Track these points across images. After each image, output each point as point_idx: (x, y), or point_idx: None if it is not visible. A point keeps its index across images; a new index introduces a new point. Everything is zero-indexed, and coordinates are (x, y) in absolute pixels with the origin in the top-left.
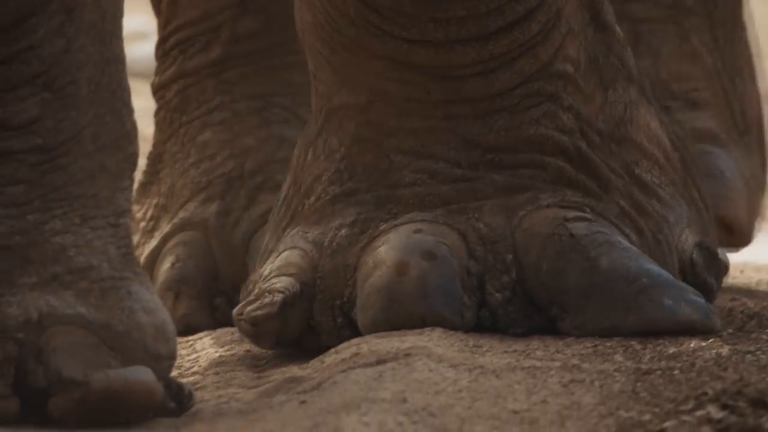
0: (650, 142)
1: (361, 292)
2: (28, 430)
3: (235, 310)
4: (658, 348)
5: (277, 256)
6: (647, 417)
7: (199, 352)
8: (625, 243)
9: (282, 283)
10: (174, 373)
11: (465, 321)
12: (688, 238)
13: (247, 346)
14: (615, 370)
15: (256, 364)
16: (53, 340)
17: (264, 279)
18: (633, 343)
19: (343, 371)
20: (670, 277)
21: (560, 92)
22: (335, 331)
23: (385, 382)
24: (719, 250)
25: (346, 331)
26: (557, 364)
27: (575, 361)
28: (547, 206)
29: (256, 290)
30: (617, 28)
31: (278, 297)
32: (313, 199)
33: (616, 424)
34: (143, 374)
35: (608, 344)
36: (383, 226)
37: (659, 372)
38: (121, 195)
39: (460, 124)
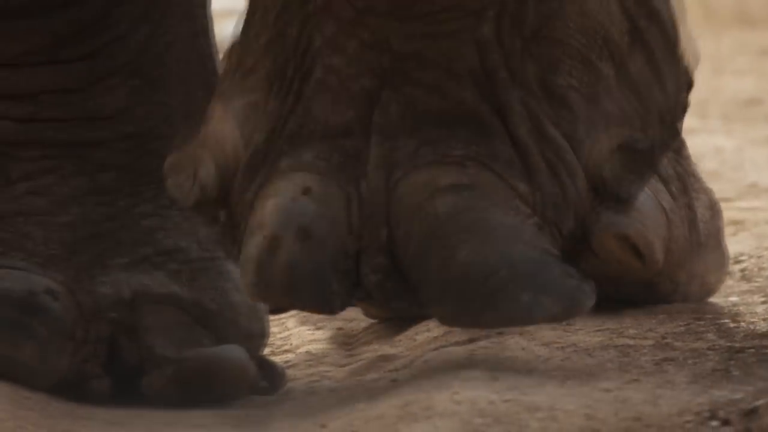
0: (568, 48)
1: (243, 248)
2: (121, 409)
3: (167, 160)
4: (751, 326)
5: (210, 134)
6: (739, 395)
7: (291, 330)
8: (495, 220)
9: (201, 176)
10: (266, 351)
11: (333, 309)
12: (603, 148)
13: (339, 323)
14: (708, 349)
15: (347, 342)
16: (146, 318)
17: (188, 152)
18: (726, 321)
19: (435, 349)
20: (536, 262)
21: (486, 6)
22: (233, 251)
23: (477, 361)
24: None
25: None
26: (649, 342)
27: (668, 339)
28: (426, 164)
29: (174, 164)
30: None
31: (194, 195)
32: (251, 61)
33: (708, 402)
34: (236, 352)
35: (701, 323)
36: (282, 163)
37: (752, 350)
38: None
39: (379, 22)
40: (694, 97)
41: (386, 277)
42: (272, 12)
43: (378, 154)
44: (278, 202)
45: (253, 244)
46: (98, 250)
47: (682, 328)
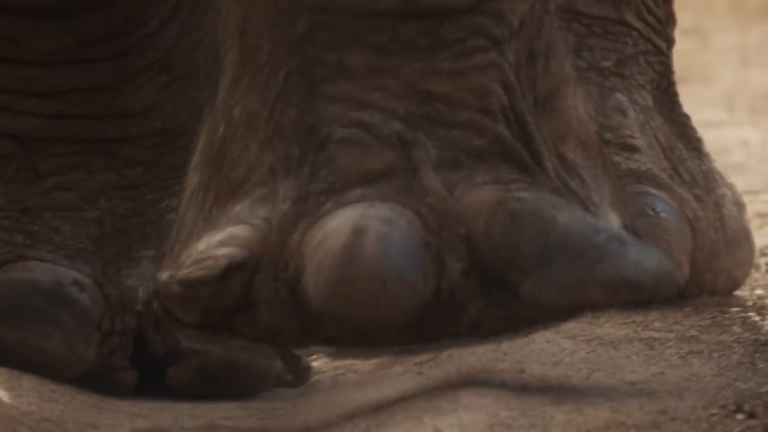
0: (578, 121)
1: (312, 259)
2: (146, 401)
3: (162, 277)
4: None
5: (218, 233)
6: (766, 388)
7: None
8: (575, 205)
9: (226, 250)
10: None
11: (427, 287)
12: (614, 220)
13: None
14: (733, 342)
15: None
16: None
17: (201, 253)
18: (751, 314)
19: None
20: (626, 235)
21: (506, 44)
22: (277, 302)
23: (503, 353)
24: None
25: (289, 303)
26: (675, 335)
27: (693, 332)
28: (484, 183)
29: (190, 260)
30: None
31: (223, 261)
32: (243, 171)
33: (734, 395)
34: (261, 346)
35: (726, 315)
36: (328, 205)
37: None
38: None
39: (403, 62)
40: (722, 89)
41: (471, 264)
42: (261, 115)
43: (431, 182)
44: (345, 218)
45: (332, 242)
46: (125, 244)
47: (708, 321)
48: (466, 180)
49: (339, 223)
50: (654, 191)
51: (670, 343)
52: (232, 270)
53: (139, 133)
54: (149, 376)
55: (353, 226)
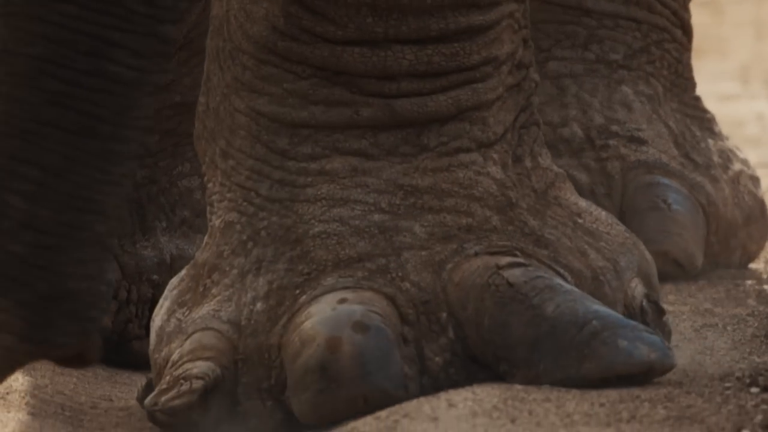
0: (588, 204)
1: (291, 374)
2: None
3: (147, 401)
4: None
5: (186, 339)
6: None
7: None
8: (566, 285)
9: (199, 368)
10: None
11: (409, 394)
12: (637, 287)
13: None
14: (748, 315)
15: None
16: None
17: (175, 365)
18: (766, 287)
19: None
20: (620, 316)
21: (491, 145)
22: (267, 416)
23: None
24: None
25: (278, 415)
26: (689, 308)
27: (707, 305)
28: (475, 254)
29: (167, 377)
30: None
31: (197, 384)
32: (217, 275)
33: (749, 368)
34: None
35: (741, 288)
36: (303, 299)
37: None
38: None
39: (386, 164)
40: (737, 62)
41: (453, 355)
42: (238, 223)
43: (416, 260)
44: (319, 318)
45: (308, 357)
46: (139, 215)
47: (722, 295)
48: (458, 251)
49: (313, 330)
50: (665, 180)
51: (684, 317)
52: (209, 392)
53: (159, 105)
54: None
55: (327, 338)
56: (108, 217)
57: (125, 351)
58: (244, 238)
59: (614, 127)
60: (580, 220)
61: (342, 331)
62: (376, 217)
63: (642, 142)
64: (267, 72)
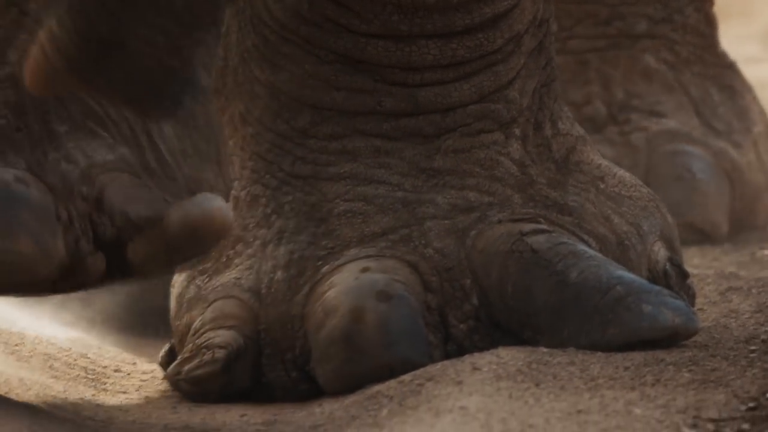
0: (607, 166)
1: (316, 344)
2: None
3: (169, 370)
4: None
5: (207, 306)
6: None
7: None
8: (591, 251)
9: (222, 337)
10: None
11: (435, 362)
12: (660, 250)
13: None
14: None
15: None
16: (107, 188)
17: (197, 333)
18: None
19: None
20: (644, 281)
21: (513, 122)
22: (291, 387)
23: None
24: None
25: (304, 386)
26: (714, 272)
27: (732, 269)
28: (499, 222)
29: (190, 345)
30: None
31: (220, 353)
32: (240, 246)
33: None
34: (216, 201)
35: (765, 252)
36: (325, 268)
37: None
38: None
39: (407, 145)
40: (761, 24)
41: (477, 322)
42: (263, 196)
43: (438, 228)
44: (342, 287)
45: (332, 327)
46: (39, 125)
47: (747, 258)
48: (482, 219)
49: (336, 300)
50: (688, 148)
51: (709, 280)
52: (232, 361)
53: None
54: (112, 256)
55: (351, 308)
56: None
57: (81, 270)
58: (269, 211)
59: (635, 102)
60: (602, 185)
61: (365, 301)
62: (400, 194)
63: (662, 115)
64: (288, 50)
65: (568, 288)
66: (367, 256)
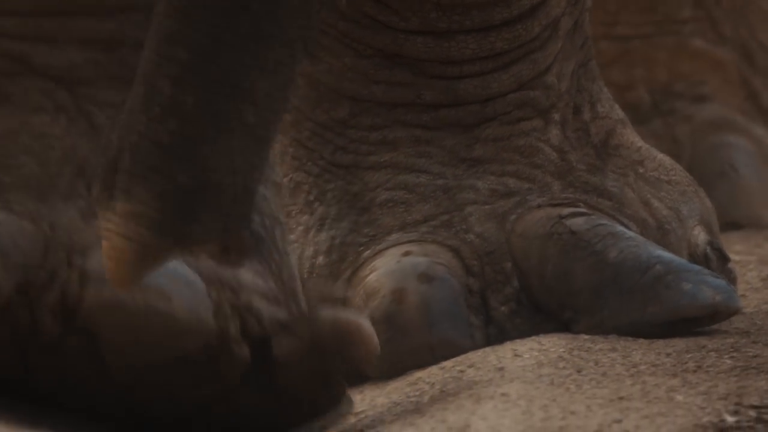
0: (647, 150)
1: None
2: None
3: None
4: None
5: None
6: None
7: None
8: (630, 232)
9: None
10: None
11: (476, 343)
12: (700, 234)
13: None
14: None
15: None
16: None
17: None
18: None
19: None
20: (684, 260)
21: (552, 107)
22: None
23: None
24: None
25: (344, 368)
26: (756, 258)
27: None
28: (538, 206)
29: None
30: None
31: None
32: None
33: None
34: (366, 321)
35: None
36: (366, 253)
37: None
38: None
39: (447, 134)
40: None
41: (518, 305)
42: (306, 183)
43: (479, 213)
44: (384, 270)
45: (373, 309)
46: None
47: None
48: (522, 203)
49: (377, 283)
50: (732, 139)
51: (751, 266)
52: None
53: None
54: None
55: (392, 289)
56: (260, 107)
57: (226, 355)
58: (311, 198)
59: (678, 85)
60: (641, 170)
61: (407, 282)
62: (440, 182)
63: (705, 98)
64: (327, 42)
65: (607, 267)
66: (409, 241)
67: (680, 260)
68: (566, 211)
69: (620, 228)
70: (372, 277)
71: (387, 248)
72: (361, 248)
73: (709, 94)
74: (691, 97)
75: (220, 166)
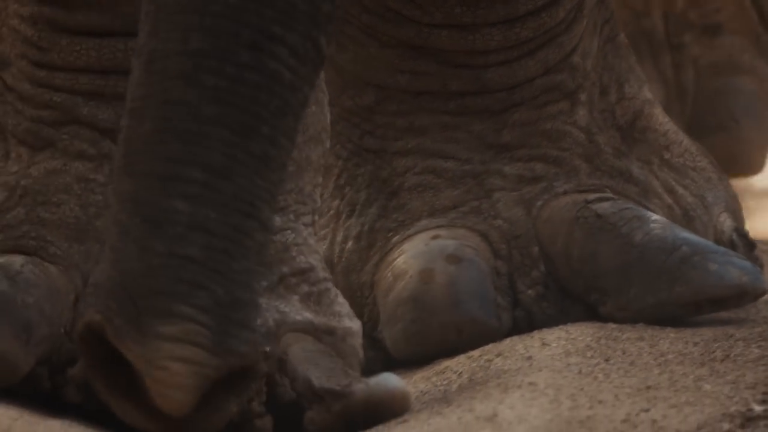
0: (675, 132)
1: (384, 308)
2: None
3: None
4: None
5: None
6: None
7: None
8: (655, 215)
9: None
10: None
11: (503, 324)
12: (726, 221)
13: None
14: None
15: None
16: (291, 349)
17: None
18: None
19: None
20: (710, 242)
21: (578, 88)
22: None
23: None
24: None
25: (370, 353)
26: None
27: None
28: (564, 193)
29: None
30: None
31: None
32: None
33: None
34: (396, 381)
35: None
36: (395, 239)
37: None
38: (317, 191)
39: (475, 119)
40: None
41: (545, 288)
42: (336, 166)
43: (506, 199)
44: (412, 252)
45: (401, 288)
46: None
47: None
48: (548, 189)
49: (405, 264)
50: (735, 84)
51: None
52: None
53: None
54: (282, 421)
55: (420, 270)
56: (265, 227)
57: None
58: (341, 182)
59: (691, 14)
60: (666, 155)
61: (435, 263)
62: (468, 168)
63: (716, 30)
64: (350, 32)
65: (633, 249)
66: (438, 226)
67: (706, 242)
68: (592, 196)
69: (646, 212)
70: (400, 260)
71: (416, 233)
72: (390, 233)
73: (723, 23)
74: (703, 28)
75: (241, 282)
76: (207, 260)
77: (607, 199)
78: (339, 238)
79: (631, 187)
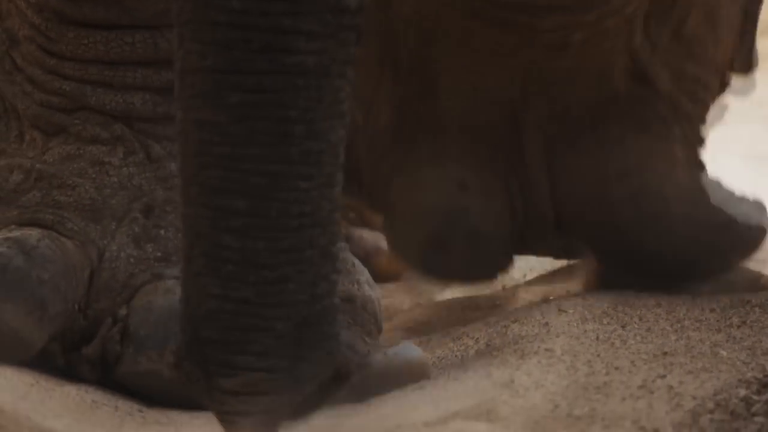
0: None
1: (396, 233)
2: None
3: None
4: None
5: None
6: None
7: None
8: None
9: None
10: None
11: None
12: None
13: None
14: None
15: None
16: None
17: None
18: None
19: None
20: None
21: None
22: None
23: None
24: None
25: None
26: None
27: None
28: (587, 148)
29: None
30: None
31: None
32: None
33: None
34: (415, 351)
35: None
36: (423, 149)
37: None
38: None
39: (521, 41)
40: None
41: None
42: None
43: (533, 148)
44: (437, 201)
45: (417, 239)
46: None
47: None
48: (572, 142)
49: (428, 208)
50: None
51: None
52: None
53: None
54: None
55: (437, 235)
56: (327, 225)
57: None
58: (397, 122)
59: None
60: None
61: (454, 238)
62: (509, 89)
63: None
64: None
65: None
66: (469, 166)
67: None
68: (619, 147)
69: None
70: (426, 201)
71: (443, 163)
72: (415, 140)
73: None
74: None
75: (307, 300)
76: (262, 297)
77: (633, 151)
78: (381, 99)
79: (654, 114)
